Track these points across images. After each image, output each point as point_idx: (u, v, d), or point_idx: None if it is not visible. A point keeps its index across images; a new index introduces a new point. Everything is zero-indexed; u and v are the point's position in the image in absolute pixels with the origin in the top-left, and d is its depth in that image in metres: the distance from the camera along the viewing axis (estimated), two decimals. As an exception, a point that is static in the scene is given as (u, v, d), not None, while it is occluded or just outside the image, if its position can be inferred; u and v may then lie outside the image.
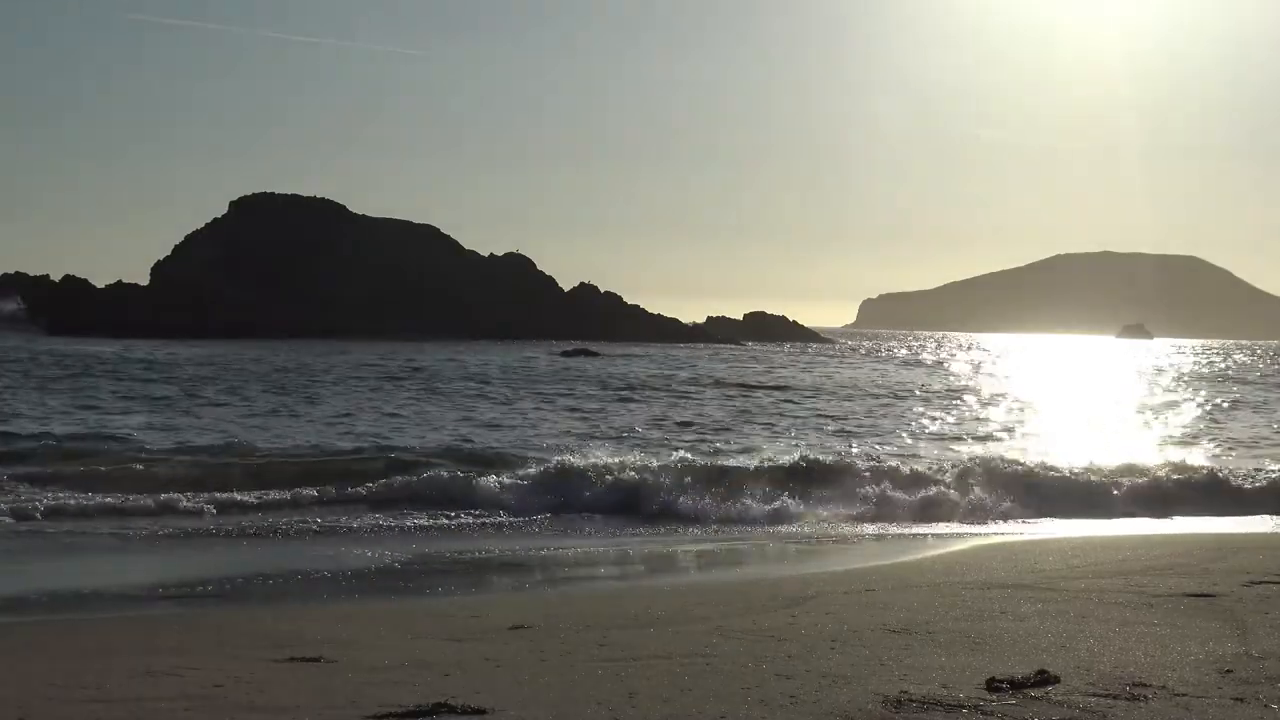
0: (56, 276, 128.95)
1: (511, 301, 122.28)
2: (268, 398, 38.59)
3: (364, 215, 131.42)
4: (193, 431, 27.27)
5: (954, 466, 21.60)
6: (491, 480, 19.63)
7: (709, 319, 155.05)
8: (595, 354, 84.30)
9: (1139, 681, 6.95)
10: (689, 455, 22.21)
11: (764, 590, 11.37)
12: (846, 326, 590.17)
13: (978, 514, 19.00)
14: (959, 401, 46.79)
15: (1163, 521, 18.87)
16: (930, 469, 21.65)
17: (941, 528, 17.83)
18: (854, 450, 25.91)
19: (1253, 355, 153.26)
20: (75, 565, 13.73)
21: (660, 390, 49.12)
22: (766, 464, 21.34)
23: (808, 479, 20.33)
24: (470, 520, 17.50)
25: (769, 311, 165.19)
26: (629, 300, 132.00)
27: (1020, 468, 21.46)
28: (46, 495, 17.72)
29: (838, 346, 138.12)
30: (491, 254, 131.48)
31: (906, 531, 17.49)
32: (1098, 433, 34.54)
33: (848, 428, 34.09)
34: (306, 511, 17.85)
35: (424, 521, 17.15)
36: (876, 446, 27.54)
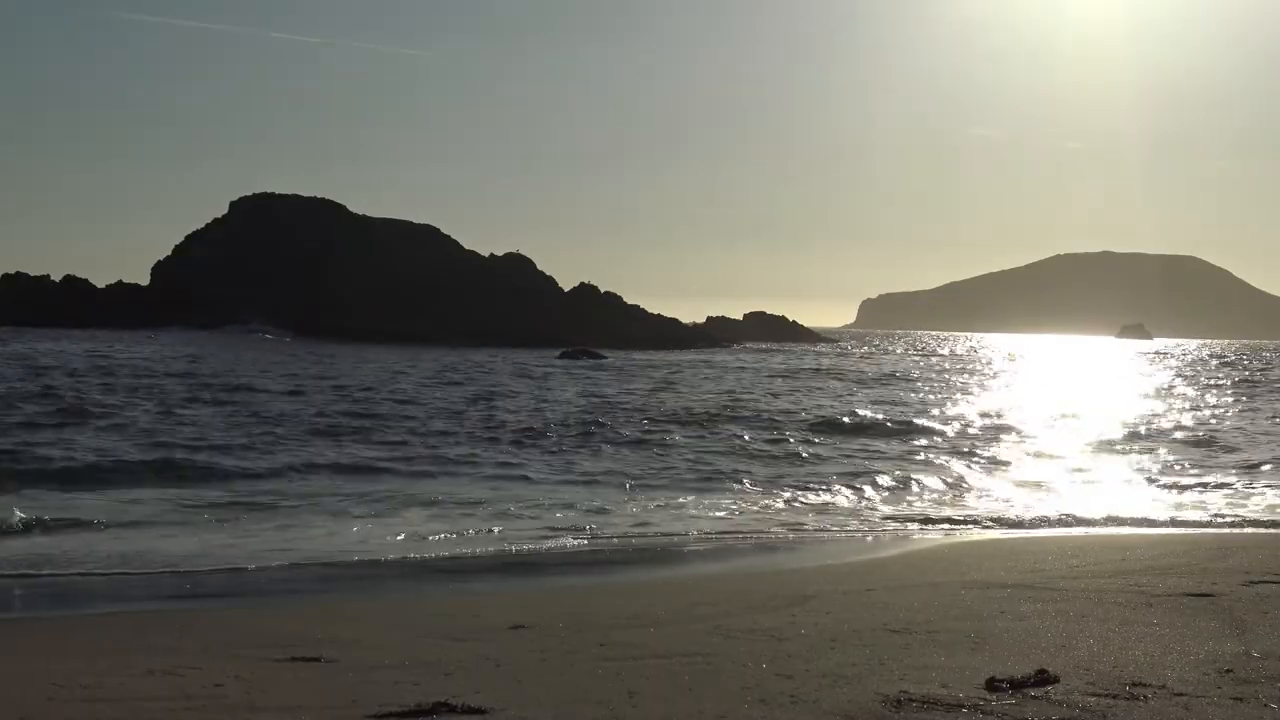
0: (57, 276, 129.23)
1: (511, 301, 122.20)
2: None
3: (364, 215, 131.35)
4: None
5: None
6: None
7: (709, 319, 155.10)
8: (602, 357, 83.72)
9: (1139, 681, 6.95)
10: None
11: (764, 590, 11.36)
12: (846, 326, 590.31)
13: None
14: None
15: (1162, 522, 18.84)
16: None
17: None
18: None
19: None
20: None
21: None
22: None
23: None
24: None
25: (769, 311, 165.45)
26: (629, 300, 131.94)
27: None
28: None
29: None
30: (491, 254, 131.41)
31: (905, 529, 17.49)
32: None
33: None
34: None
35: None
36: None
